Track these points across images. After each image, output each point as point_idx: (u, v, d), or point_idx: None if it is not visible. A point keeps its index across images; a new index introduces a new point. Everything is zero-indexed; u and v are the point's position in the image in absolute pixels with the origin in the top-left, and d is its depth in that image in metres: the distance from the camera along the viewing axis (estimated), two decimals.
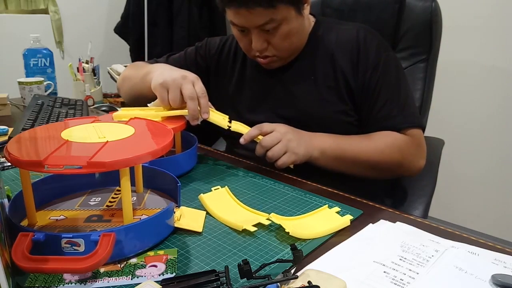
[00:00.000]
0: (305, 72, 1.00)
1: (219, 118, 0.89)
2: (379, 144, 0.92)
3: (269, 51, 0.95)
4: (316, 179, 0.84)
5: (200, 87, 0.85)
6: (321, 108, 0.98)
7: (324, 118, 0.97)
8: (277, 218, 0.65)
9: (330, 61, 0.98)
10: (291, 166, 0.87)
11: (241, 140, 0.86)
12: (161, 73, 0.87)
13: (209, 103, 0.87)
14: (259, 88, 1.05)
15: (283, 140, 0.85)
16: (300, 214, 0.69)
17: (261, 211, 0.70)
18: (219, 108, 0.93)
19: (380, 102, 0.95)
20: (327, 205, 0.71)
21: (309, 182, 0.84)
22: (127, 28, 2.74)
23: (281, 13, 0.89)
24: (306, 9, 0.95)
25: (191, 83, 0.84)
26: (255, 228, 0.64)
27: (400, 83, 0.97)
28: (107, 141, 0.61)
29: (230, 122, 0.90)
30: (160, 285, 0.49)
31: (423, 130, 0.98)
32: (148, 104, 0.92)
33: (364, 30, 0.99)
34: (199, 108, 0.84)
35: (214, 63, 1.12)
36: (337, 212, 0.70)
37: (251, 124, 1.04)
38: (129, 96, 1.11)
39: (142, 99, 1.00)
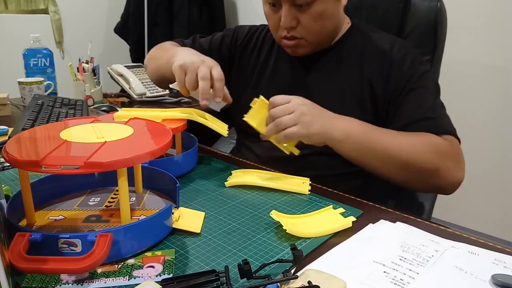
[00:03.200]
0: (330, 75, 0.98)
1: (219, 126, 0.89)
2: (414, 141, 0.83)
3: (298, 32, 0.91)
4: (317, 179, 0.83)
5: (217, 71, 0.84)
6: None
7: None
8: (277, 216, 0.64)
9: (358, 67, 0.95)
10: (296, 153, 0.82)
11: (262, 137, 0.82)
12: (183, 57, 0.88)
13: (225, 89, 0.85)
14: (280, 85, 1.03)
15: (296, 112, 0.77)
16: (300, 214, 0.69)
17: (261, 211, 0.70)
18: (238, 101, 0.92)
19: (413, 106, 0.89)
20: (331, 206, 0.71)
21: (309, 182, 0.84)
22: (127, 28, 2.74)
23: None
24: None
25: (208, 67, 0.84)
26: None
27: (437, 95, 0.93)
28: (105, 141, 0.60)
29: (229, 130, 0.91)
30: (160, 285, 0.49)
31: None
32: (170, 85, 0.93)
33: (399, 42, 0.97)
34: (211, 91, 0.84)
35: (239, 53, 1.10)
36: (341, 213, 0.69)
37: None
38: (154, 76, 1.13)
39: (165, 81, 1.03)
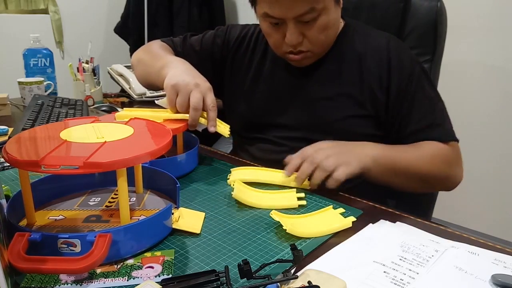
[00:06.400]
0: (329, 77, 0.96)
1: (220, 127, 0.89)
2: (427, 154, 0.88)
3: (304, 46, 0.90)
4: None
5: (211, 99, 0.84)
6: (341, 118, 0.93)
7: (344, 129, 0.93)
8: (277, 216, 0.64)
9: (357, 68, 0.94)
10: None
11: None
12: (175, 74, 0.86)
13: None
14: (277, 87, 1.01)
15: (333, 154, 0.77)
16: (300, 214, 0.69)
17: (261, 211, 0.70)
18: (232, 104, 0.91)
19: (418, 114, 0.91)
20: (331, 206, 0.71)
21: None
22: (127, 28, 2.74)
23: (323, 2, 0.85)
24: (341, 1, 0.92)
25: (201, 94, 0.83)
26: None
27: (437, 96, 0.94)
28: (105, 141, 0.60)
29: (230, 131, 0.90)
30: (160, 285, 0.49)
31: None
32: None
33: (394, 40, 0.96)
34: (206, 119, 0.84)
35: (231, 55, 1.08)
36: (341, 213, 0.69)
37: (264, 126, 1.01)
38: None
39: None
